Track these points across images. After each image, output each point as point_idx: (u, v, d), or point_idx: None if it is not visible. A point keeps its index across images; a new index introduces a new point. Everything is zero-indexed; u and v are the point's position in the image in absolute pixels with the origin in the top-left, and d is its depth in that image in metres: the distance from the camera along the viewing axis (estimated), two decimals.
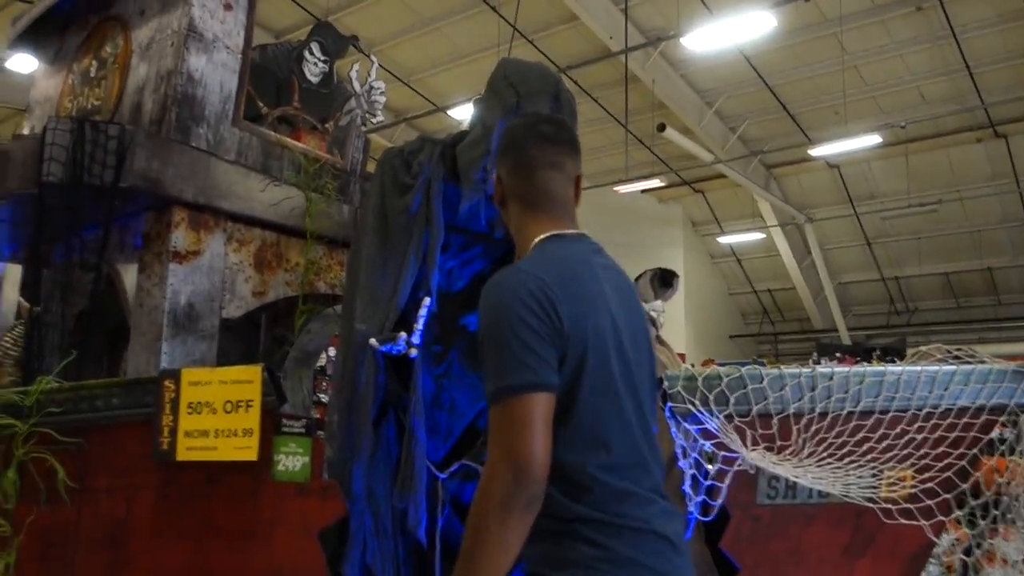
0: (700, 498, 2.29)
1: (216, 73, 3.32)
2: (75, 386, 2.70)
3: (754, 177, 16.51)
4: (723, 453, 2.14)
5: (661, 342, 2.52)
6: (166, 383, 2.40)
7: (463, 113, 13.67)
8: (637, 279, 2.62)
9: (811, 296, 19.46)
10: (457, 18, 13.78)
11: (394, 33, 13.96)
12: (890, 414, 2.32)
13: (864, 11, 12.34)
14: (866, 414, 2.31)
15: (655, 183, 15.29)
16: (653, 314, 2.51)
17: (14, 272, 4.48)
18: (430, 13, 13.73)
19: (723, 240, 19.59)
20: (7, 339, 3.99)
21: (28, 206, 3.12)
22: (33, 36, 4.21)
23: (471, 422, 2.97)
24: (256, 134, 3.48)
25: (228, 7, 3.40)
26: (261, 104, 3.99)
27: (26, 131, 4.06)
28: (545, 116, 1.91)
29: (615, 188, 14.79)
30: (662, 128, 12.90)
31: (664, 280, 2.56)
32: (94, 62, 3.72)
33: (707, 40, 11.42)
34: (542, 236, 1.62)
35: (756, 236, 18.64)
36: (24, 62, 11.51)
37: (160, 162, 3.04)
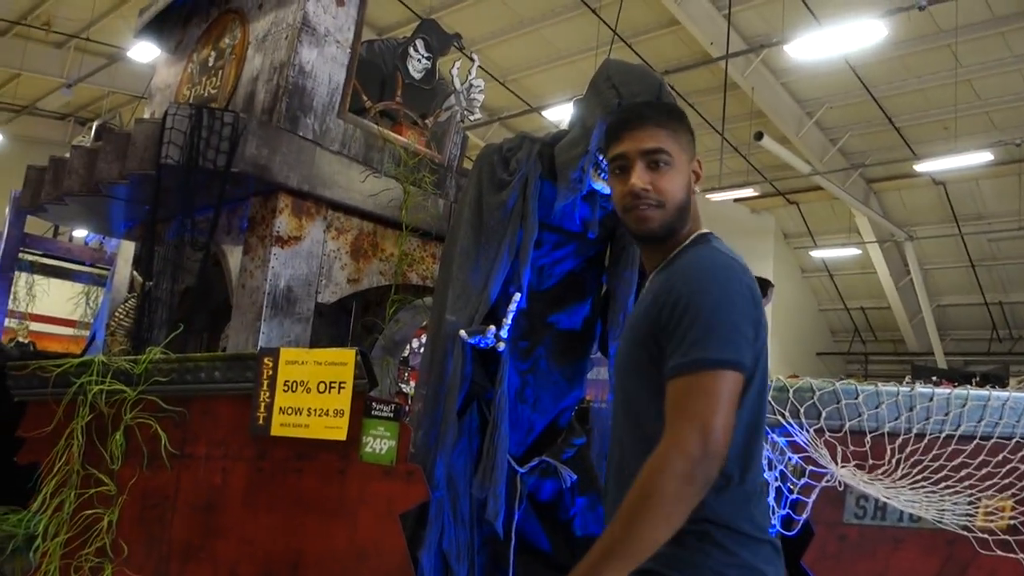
0: (784, 512, 2.25)
1: (326, 66, 3.44)
2: (181, 358, 2.85)
3: (853, 191, 15.98)
4: (811, 468, 2.09)
5: None
6: (265, 360, 2.51)
7: (557, 114, 13.69)
8: None
9: (907, 317, 18.70)
10: (556, 20, 13.80)
11: (493, 33, 14.10)
12: (992, 440, 2.23)
13: (982, 23, 11.78)
14: (966, 439, 2.22)
15: (749, 192, 14.95)
16: None
17: (127, 248, 4.74)
18: (529, 14, 13.81)
19: (816, 254, 19.02)
20: (120, 310, 4.22)
21: (146, 186, 3.30)
22: (158, 27, 4.45)
23: (553, 419, 2.99)
24: (360, 126, 3.59)
25: (340, 3, 3.52)
26: (365, 97, 4.11)
27: (147, 116, 4.29)
28: None
29: (707, 195, 14.56)
30: (759, 137, 12.63)
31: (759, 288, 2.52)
32: (213, 52, 3.90)
33: (812, 48, 11.11)
34: (705, 230, 1.62)
35: (851, 252, 18.03)
36: (143, 52, 12.13)
37: (269, 149, 3.17)
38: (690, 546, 1.36)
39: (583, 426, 3.04)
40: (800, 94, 14.59)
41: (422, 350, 3.31)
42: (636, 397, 1.51)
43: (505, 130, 15.19)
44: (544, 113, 14.04)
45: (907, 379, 11.57)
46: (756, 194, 15.36)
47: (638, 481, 1.29)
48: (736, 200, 16.77)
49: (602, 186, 2.75)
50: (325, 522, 2.30)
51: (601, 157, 2.68)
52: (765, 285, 2.63)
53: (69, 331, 9.09)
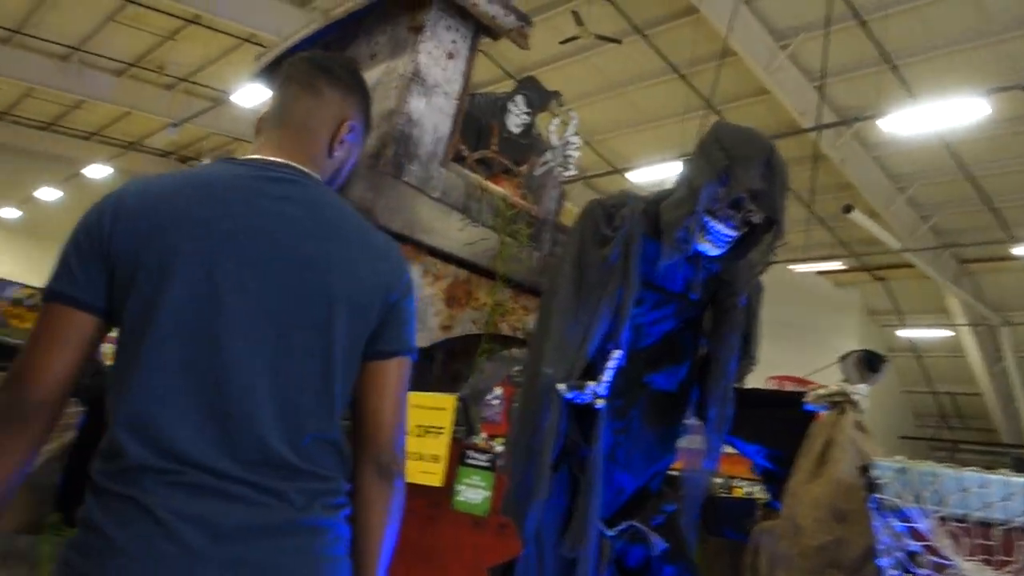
0: None
1: (433, 116, 3.51)
2: None
3: (944, 270, 15.42)
4: (933, 558, 1.95)
5: (862, 428, 2.37)
6: None
7: (640, 176, 13.70)
8: (842, 359, 2.49)
9: (1000, 406, 17.75)
10: (645, 84, 13.94)
11: (581, 94, 14.28)
12: None
13: None
14: None
15: (835, 265, 14.58)
16: (856, 398, 2.37)
17: None
18: (618, 77, 13.98)
19: (903, 334, 18.33)
20: None
21: None
22: (272, 71, 4.63)
23: (644, 483, 2.91)
24: (461, 176, 3.64)
25: (451, 56, 3.60)
26: (463, 147, 4.17)
27: None
28: (334, 54, 1.79)
29: (790, 266, 14.25)
30: (848, 210, 12.34)
31: (871, 364, 2.42)
32: None
33: (907, 124, 10.90)
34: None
35: (941, 333, 17.31)
36: (246, 97, 12.71)
37: (374, 193, 3.23)
38: None
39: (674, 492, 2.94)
40: (892, 169, 14.27)
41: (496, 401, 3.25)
42: None
43: (588, 189, 15.25)
44: (628, 175, 14.08)
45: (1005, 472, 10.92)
46: (843, 267, 14.96)
47: None
48: (819, 273, 16.38)
49: (707, 247, 2.70)
50: (413, 568, 2.25)
51: (708, 219, 2.65)
52: (879, 361, 2.52)
53: None
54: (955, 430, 19.79)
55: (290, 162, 1.49)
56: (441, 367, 4.43)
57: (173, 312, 1.30)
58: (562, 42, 12.10)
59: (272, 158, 1.49)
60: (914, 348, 19.00)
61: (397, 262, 1.53)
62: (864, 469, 2.07)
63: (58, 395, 1.34)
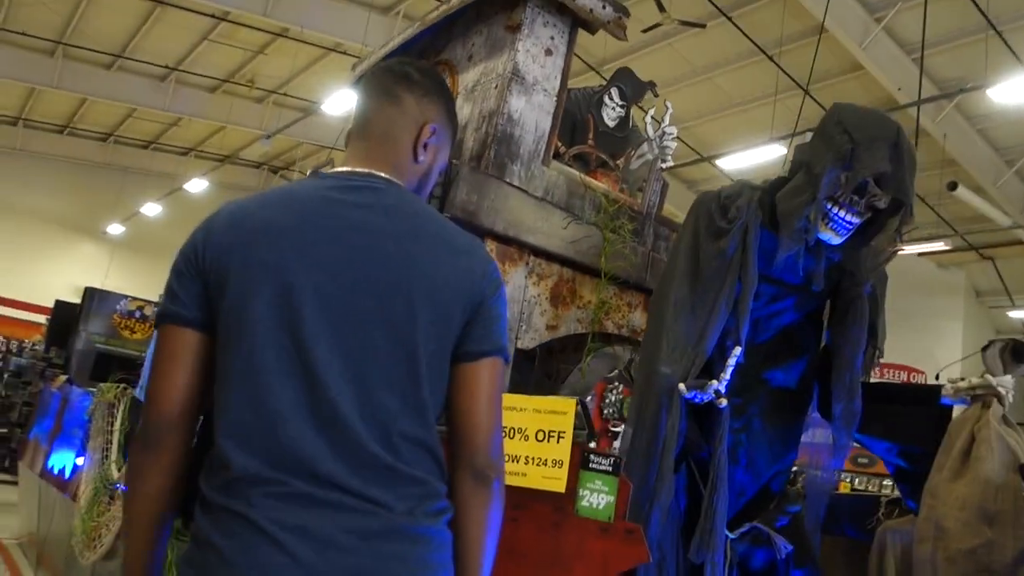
0: None
1: (533, 114, 3.49)
2: None
3: None
4: None
5: (1009, 423, 2.22)
6: None
7: (730, 163, 13.38)
8: (984, 349, 2.34)
9: None
10: (730, 67, 13.59)
11: (666, 82, 14.02)
12: None
13: None
14: None
15: (939, 246, 13.91)
16: (1001, 391, 2.23)
17: None
18: (703, 62, 13.67)
19: (1014, 315, 17.36)
20: None
21: None
22: None
23: (766, 483, 2.82)
24: (563, 173, 3.60)
25: (549, 52, 3.57)
26: (559, 143, 4.14)
27: None
28: (410, 59, 1.76)
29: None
30: (953, 187, 11.74)
31: (1017, 353, 2.27)
32: None
33: (1016, 92, 10.27)
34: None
35: None
36: (335, 105, 13.01)
37: (478, 195, 3.23)
38: None
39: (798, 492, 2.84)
40: (998, 141, 13.52)
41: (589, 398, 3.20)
42: None
43: (673, 179, 15.00)
44: (718, 162, 13.76)
45: None
46: (947, 248, 14.26)
47: None
48: (920, 255, 15.65)
49: (829, 236, 2.59)
50: (540, 574, 2.24)
51: (829, 205, 2.54)
52: None
53: None
54: None
55: (374, 171, 1.51)
56: (540, 366, 4.42)
57: (261, 322, 1.33)
58: (644, 30, 11.90)
59: (357, 168, 1.52)
60: None
61: (482, 261, 1.51)
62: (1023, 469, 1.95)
63: (186, 414, 1.38)
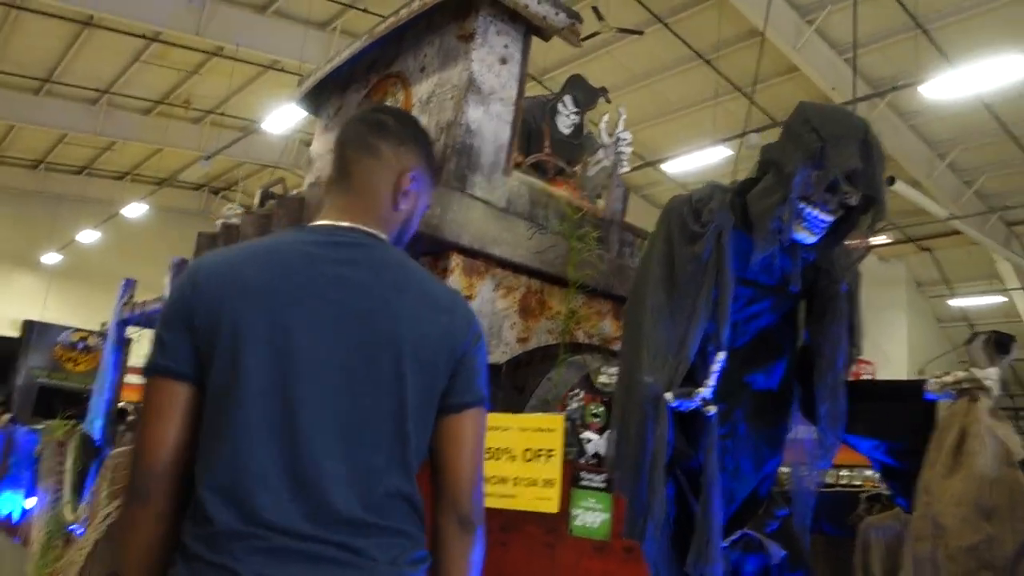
0: None
1: (491, 124, 3.42)
2: None
3: (993, 235, 15.02)
4: None
5: (998, 416, 2.21)
6: None
7: (674, 167, 13.53)
8: (967, 343, 2.33)
9: None
10: (668, 73, 13.76)
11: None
12: None
13: None
14: None
15: (881, 240, 14.27)
16: (988, 384, 2.22)
17: None
18: (642, 68, 13.81)
19: (954, 303, 17.91)
20: None
21: None
22: (316, 96, 4.58)
23: (754, 488, 2.77)
24: (525, 183, 3.53)
25: (503, 61, 3.50)
26: (516, 152, 4.07)
27: (307, 183, 4.38)
28: (385, 107, 1.81)
29: None
30: (891, 181, 12.02)
31: (1001, 345, 2.26)
32: None
33: (945, 88, 10.61)
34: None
35: (994, 299, 16.87)
36: (275, 124, 12.77)
37: (440, 208, 3.13)
38: None
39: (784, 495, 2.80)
40: (930, 136, 13.94)
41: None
42: None
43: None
44: (663, 167, 13.90)
45: None
46: (889, 241, 14.64)
47: None
48: None
49: (804, 235, 2.56)
50: None
51: (802, 205, 2.51)
52: (1008, 341, 2.37)
53: None
54: (1016, 397, 19.28)
55: (356, 225, 1.53)
56: (507, 379, 4.33)
57: (247, 380, 1.35)
58: (583, 38, 11.94)
59: (338, 223, 1.53)
60: (966, 317, 18.53)
61: (464, 314, 1.56)
62: None
63: (175, 464, 1.38)
